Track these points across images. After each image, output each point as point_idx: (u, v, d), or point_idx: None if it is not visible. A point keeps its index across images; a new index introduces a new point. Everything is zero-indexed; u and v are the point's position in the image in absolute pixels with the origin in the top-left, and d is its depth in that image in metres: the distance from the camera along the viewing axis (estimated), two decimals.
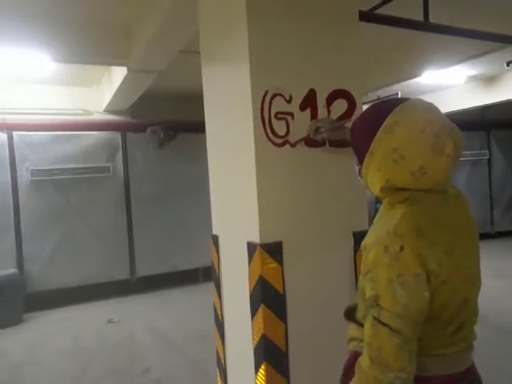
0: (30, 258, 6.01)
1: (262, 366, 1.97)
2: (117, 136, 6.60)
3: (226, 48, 2.14)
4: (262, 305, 1.96)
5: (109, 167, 6.47)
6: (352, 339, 1.34)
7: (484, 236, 9.03)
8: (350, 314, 1.36)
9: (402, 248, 1.11)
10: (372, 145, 1.17)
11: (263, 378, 1.97)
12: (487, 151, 9.29)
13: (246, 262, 2.07)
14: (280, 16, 1.99)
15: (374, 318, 1.13)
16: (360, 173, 1.29)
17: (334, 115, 2.11)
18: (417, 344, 1.13)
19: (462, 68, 6.11)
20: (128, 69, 4.85)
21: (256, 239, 1.98)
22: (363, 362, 1.16)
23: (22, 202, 6.00)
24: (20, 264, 5.94)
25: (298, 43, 2.04)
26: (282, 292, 1.99)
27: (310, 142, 2.05)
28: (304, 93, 2.05)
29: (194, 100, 7.34)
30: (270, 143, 1.98)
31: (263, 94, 1.95)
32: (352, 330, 1.35)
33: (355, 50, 2.20)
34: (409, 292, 1.10)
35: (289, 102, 2.02)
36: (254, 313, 2.02)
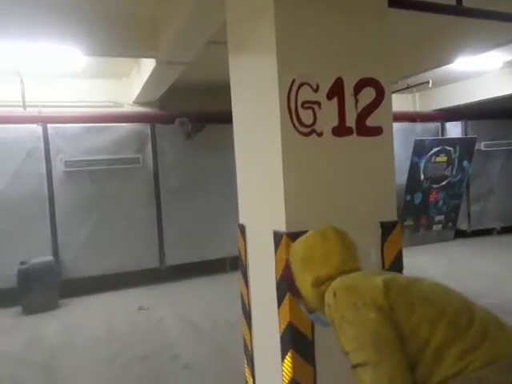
0: (64, 246, 6.23)
1: (289, 354, 2.00)
2: (146, 127, 6.72)
3: (253, 37, 2.15)
4: (288, 292, 1.97)
5: (139, 158, 6.60)
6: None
7: None
8: None
9: (334, 294, 1.24)
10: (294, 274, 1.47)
11: (290, 365, 1.99)
12: None
13: (272, 250, 2.09)
14: (306, 4, 1.98)
15: (351, 367, 1.15)
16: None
17: (362, 104, 2.09)
18: (406, 372, 1.08)
19: (498, 53, 5.88)
20: (156, 61, 4.92)
21: (282, 228, 1.99)
22: None
23: (57, 192, 6.21)
24: (55, 252, 6.17)
25: (324, 31, 2.02)
26: None
27: (337, 131, 2.04)
28: (331, 81, 2.03)
29: (221, 91, 7.37)
30: (296, 132, 1.98)
31: (290, 83, 1.96)
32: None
33: (384, 38, 2.16)
34: (353, 323, 1.15)
35: (316, 90, 2.01)
36: (280, 301, 2.04)
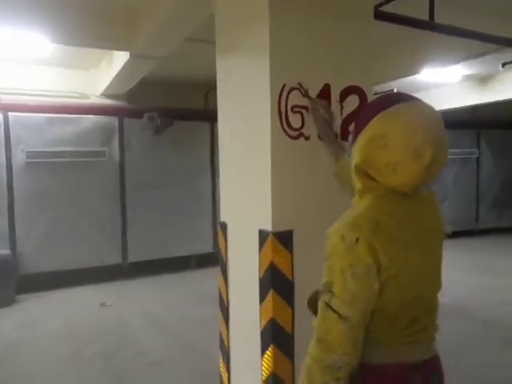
0: (22, 240, 5.99)
1: (270, 349, 2.06)
2: (114, 120, 6.57)
3: (245, 40, 2.19)
4: (271, 290, 2.04)
5: (105, 151, 6.46)
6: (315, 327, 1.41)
7: (469, 233, 9.28)
8: (313, 303, 1.39)
9: (357, 239, 1.15)
10: (368, 125, 1.21)
11: (270, 359, 2.06)
12: (476, 150, 9.50)
13: (256, 248, 2.15)
14: (300, 11, 2.05)
15: (326, 303, 1.20)
16: (350, 153, 1.34)
17: (347, 110, 2.19)
18: (363, 331, 1.21)
19: (459, 67, 6.23)
20: (130, 54, 4.84)
21: (268, 227, 2.05)
22: (312, 342, 1.25)
23: (16, 183, 5.96)
24: (13, 245, 5.92)
25: (315, 39, 2.10)
26: (290, 278, 2.07)
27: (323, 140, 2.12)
28: (319, 87, 2.12)
29: (193, 88, 7.47)
30: (285, 135, 2.05)
31: (281, 87, 2.02)
32: (314, 318, 1.39)
33: (369, 48, 2.26)
34: (358, 282, 1.16)
35: (304, 96, 2.08)
36: (262, 297, 2.10)
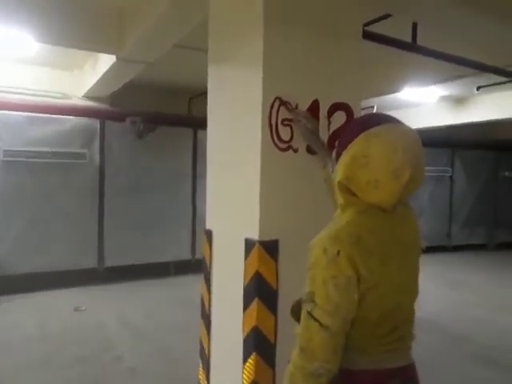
0: None
1: (252, 357, 2.09)
2: (95, 123, 6.51)
3: (238, 51, 2.24)
4: (256, 298, 2.07)
5: (85, 154, 6.38)
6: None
7: (441, 249, 9.53)
8: (296, 311, 1.44)
9: (338, 252, 1.23)
10: (350, 144, 1.29)
11: (252, 368, 2.08)
12: (450, 169, 9.81)
13: (241, 257, 2.18)
14: (293, 26, 2.12)
15: (308, 312, 1.27)
16: (333, 169, 1.43)
17: (334, 126, 2.26)
18: (343, 339, 1.27)
19: (437, 88, 6.47)
20: (117, 57, 4.83)
21: (255, 236, 2.09)
22: (294, 350, 1.31)
23: None
24: None
25: (307, 55, 2.17)
26: (275, 287, 2.11)
27: (311, 149, 2.19)
28: (309, 103, 2.18)
29: (177, 94, 7.48)
30: (275, 147, 2.10)
31: (272, 100, 2.07)
32: (297, 326, 1.43)
33: (357, 66, 2.35)
34: (340, 292, 1.23)
35: (290, 110, 2.14)
36: (246, 306, 2.13)
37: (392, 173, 1.23)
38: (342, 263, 1.23)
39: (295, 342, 1.42)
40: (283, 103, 2.10)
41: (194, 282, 6.16)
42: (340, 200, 1.37)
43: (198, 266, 6.55)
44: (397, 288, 1.33)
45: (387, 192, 1.26)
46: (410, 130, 1.31)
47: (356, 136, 1.29)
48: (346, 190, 1.33)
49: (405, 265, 1.37)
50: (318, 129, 2.12)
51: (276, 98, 2.08)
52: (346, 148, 1.30)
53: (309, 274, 1.30)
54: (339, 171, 1.32)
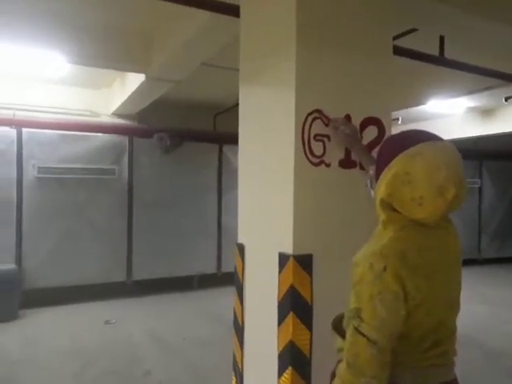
0: (29, 255, 6.02)
1: (287, 371, 2.09)
2: (124, 139, 6.69)
3: (270, 70, 2.30)
4: (291, 313, 2.09)
5: (114, 170, 6.54)
6: (340, 350, 1.45)
7: (471, 262, 9.30)
8: (337, 325, 1.48)
9: (385, 268, 1.23)
10: (392, 162, 1.30)
11: (287, 382, 2.09)
12: (479, 180, 9.64)
13: (275, 271, 2.20)
14: (325, 44, 2.16)
15: (355, 327, 1.27)
16: (372, 184, 1.45)
17: (365, 140, 2.27)
18: (390, 355, 1.27)
19: (463, 100, 6.40)
20: (146, 76, 4.98)
21: (289, 250, 2.11)
22: (342, 366, 1.31)
23: (26, 198, 6.03)
24: (19, 260, 5.95)
25: (338, 71, 2.21)
26: (310, 302, 2.12)
27: (343, 163, 2.21)
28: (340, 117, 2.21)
29: (202, 110, 7.62)
30: (307, 162, 2.13)
31: (305, 116, 2.11)
32: (339, 340, 1.46)
33: (387, 80, 2.37)
34: (387, 308, 1.23)
35: (327, 125, 2.18)
36: (281, 320, 2.15)
37: (436, 189, 1.24)
38: (389, 279, 1.23)
39: (339, 357, 1.43)
40: (319, 117, 2.14)
41: (221, 295, 6.25)
42: (382, 216, 1.38)
43: (224, 280, 6.70)
44: (442, 304, 1.33)
45: (432, 208, 1.27)
46: (451, 146, 1.31)
47: (397, 154, 1.29)
48: (388, 206, 1.34)
49: (449, 281, 1.37)
50: (357, 133, 2.14)
51: (308, 114, 2.12)
52: (386, 166, 1.32)
53: (354, 291, 1.30)
54: (381, 188, 1.33)
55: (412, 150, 1.28)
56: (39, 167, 6.04)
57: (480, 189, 9.69)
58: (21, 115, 6.14)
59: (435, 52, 3.58)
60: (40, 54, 4.55)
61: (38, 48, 4.40)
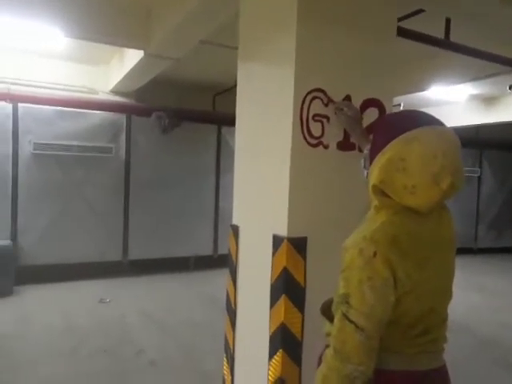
0: (24, 231, 5.99)
1: (278, 353, 2.08)
2: (122, 118, 6.60)
3: (270, 47, 2.23)
4: (283, 295, 2.06)
5: (111, 148, 6.48)
6: (328, 334, 1.42)
7: (467, 251, 9.32)
8: (326, 310, 1.45)
9: (375, 253, 1.20)
10: (388, 146, 1.25)
11: (278, 364, 2.07)
12: (478, 169, 9.59)
13: (269, 253, 2.17)
14: (326, 23, 2.09)
15: (343, 313, 1.24)
16: (365, 165, 1.41)
17: (365, 122, 2.21)
18: (378, 342, 1.24)
19: (466, 87, 6.30)
20: (145, 53, 4.87)
21: (283, 233, 2.08)
22: (328, 352, 1.29)
23: (21, 174, 5.98)
24: (14, 236, 5.92)
25: (339, 51, 2.14)
26: (303, 285, 2.09)
27: (341, 145, 2.16)
28: (340, 98, 2.15)
29: (202, 90, 7.51)
30: (305, 143, 2.08)
31: (304, 95, 2.05)
32: (327, 325, 1.43)
33: (390, 62, 2.31)
34: (376, 294, 1.20)
35: (326, 105, 2.12)
36: (274, 302, 2.12)
37: (431, 178, 1.20)
38: (379, 265, 1.20)
39: (326, 342, 1.41)
40: (318, 96, 2.07)
41: (216, 277, 6.25)
42: (374, 202, 1.34)
43: (219, 262, 6.69)
44: (433, 292, 1.30)
45: (425, 197, 1.23)
46: (450, 132, 1.26)
47: (393, 138, 1.24)
48: (381, 192, 1.30)
49: (441, 268, 1.34)
50: (360, 116, 2.08)
51: (308, 93, 2.06)
52: (381, 149, 1.27)
53: (343, 275, 1.27)
54: (374, 173, 1.29)
55: (409, 134, 1.22)
56: (35, 143, 5.97)
57: (479, 178, 9.64)
58: (17, 90, 6.02)
59: (441, 36, 3.49)
60: (37, 27, 4.42)
61: (34, 21, 4.28)
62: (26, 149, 5.97)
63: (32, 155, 6.00)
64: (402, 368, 1.30)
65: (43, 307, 5.17)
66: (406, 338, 1.29)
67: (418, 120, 1.27)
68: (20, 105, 5.95)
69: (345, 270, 1.27)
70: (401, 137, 1.23)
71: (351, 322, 1.22)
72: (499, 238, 9.88)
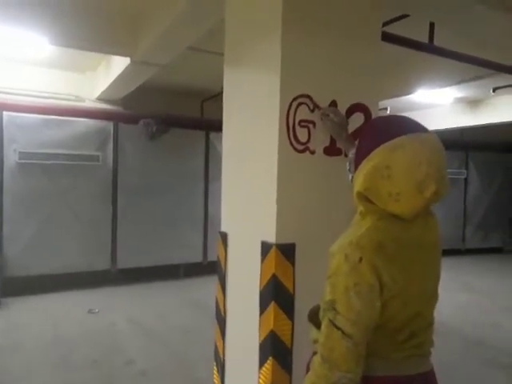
0: (9, 241, 5.89)
1: (268, 361, 2.06)
2: (109, 125, 6.55)
3: (255, 52, 2.22)
4: (272, 302, 2.05)
5: (98, 156, 6.42)
6: (315, 341, 1.41)
7: (455, 252, 9.40)
8: (313, 316, 1.44)
9: (360, 259, 1.20)
10: (373, 153, 1.25)
11: (268, 372, 2.05)
12: (465, 171, 9.70)
13: (257, 260, 2.15)
14: (311, 29, 2.09)
15: (330, 320, 1.24)
16: (350, 169, 1.42)
17: (351, 127, 2.21)
18: (365, 348, 1.24)
19: (451, 90, 6.38)
20: (131, 60, 4.84)
21: (271, 239, 2.06)
22: (316, 359, 1.28)
23: (7, 183, 5.88)
24: (0, 247, 5.82)
25: (325, 56, 2.14)
26: (292, 292, 2.08)
27: (328, 150, 2.16)
28: (326, 104, 2.15)
29: (189, 97, 7.49)
30: (292, 149, 2.07)
31: (290, 101, 2.05)
32: (314, 332, 1.42)
33: (375, 67, 2.32)
34: (362, 300, 1.20)
35: (312, 111, 2.12)
36: (263, 309, 2.11)
37: (415, 186, 1.20)
38: (364, 270, 1.20)
39: (314, 349, 1.39)
40: (304, 102, 2.07)
41: (206, 283, 6.20)
42: (359, 207, 1.34)
43: (209, 269, 6.64)
44: (418, 296, 1.31)
45: (409, 205, 1.23)
46: (435, 139, 1.27)
47: (378, 145, 1.25)
48: (365, 198, 1.30)
49: (426, 272, 1.34)
50: (346, 122, 2.08)
51: (294, 99, 2.06)
52: (367, 155, 1.27)
53: (329, 282, 1.27)
54: (359, 180, 1.29)
55: (393, 142, 1.23)
56: (20, 152, 5.89)
57: (466, 180, 9.75)
58: (1, 98, 5.94)
59: (425, 40, 3.53)
60: (22, 34, 4.37)
61: (19, 28, 4.23)
62: (11, 158, 5.89)
63: (17, 164, 5.92)
64: (389, 373, 1.29)
65: (31, 319, 5.08)
66: (393, 343, 1.29)
67: (403, 127, 1.28)
68: (5, 113, 5.88)
69: (331, 275, 1.26)
70: (386, 144, 1.24)
71: (338, 328, 1.22)
72: (486, 238, 9.99)
